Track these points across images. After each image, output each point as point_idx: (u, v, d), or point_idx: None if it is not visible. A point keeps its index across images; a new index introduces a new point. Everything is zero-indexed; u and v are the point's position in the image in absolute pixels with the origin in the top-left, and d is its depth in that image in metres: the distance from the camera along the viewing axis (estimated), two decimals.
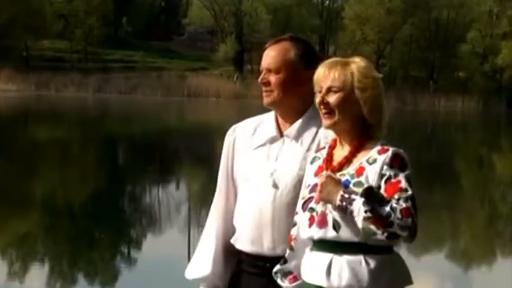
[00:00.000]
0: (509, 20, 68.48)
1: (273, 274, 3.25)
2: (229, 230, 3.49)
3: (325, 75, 3.07)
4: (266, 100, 3.39)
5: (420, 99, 62.09)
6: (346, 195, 2.90)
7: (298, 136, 3.36)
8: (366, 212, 2.84)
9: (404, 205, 2.87)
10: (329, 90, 3.06)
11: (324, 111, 3.07)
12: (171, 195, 15.81)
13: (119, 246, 11.06)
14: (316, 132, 3.34)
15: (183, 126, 35.57)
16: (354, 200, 2.88)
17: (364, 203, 2.85)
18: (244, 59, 69.44)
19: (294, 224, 3.18)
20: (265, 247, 3.33)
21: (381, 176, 2.95)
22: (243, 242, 3.41)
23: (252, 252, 3.38)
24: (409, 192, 2.91)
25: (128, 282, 9.06)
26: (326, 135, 3.29)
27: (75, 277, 9.20)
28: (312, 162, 3.20)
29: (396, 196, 2.89)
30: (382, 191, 2.92)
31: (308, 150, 3.32)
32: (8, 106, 43.50)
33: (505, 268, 10.53)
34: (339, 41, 72.75)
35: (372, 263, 2.96)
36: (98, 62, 66.47)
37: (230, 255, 3.50)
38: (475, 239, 12.94)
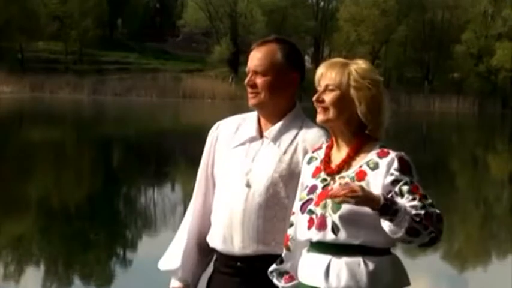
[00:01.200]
0: (503, 21, 68.56)
1: (268, 273, 3.24)
2: (205, 227, 3.49)
3: (324, 74, 3.08)
4: (252, 101, 3.40)
5: (415, 100, 62.16)
6: (389, 195, 2.86)
7: (276, 138, 3.37)
8: (422, 208, 2.82)
9: (437, 211, 2.88)
10: (326, 88, 3.07)
11: (319, 108, 3.08)
12: (166, 197, 15.80)
13: (114, 248, 11.05)
14: (296, 135, 3.35)
15: (178, 127, 35.54)
16: (396, 200, 2.84)
17: (419, 200, 2.83)
18: (240, 60, 69.40)
19: (291, 224, 3.17)
20: (236, 246, 3.33)
21: (393, 182, 2.91)
22: (215, 240, 3.41)
23: (223, 251, 3.38)
24: (430, 199, 2.91)
25: (123, 284, 9.04)
26: (305, 138, 3.32)
27: (70, 279, 9.18)
28: (308, 163, 3.19)
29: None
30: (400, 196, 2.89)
31: (285, 152, 3.33)
32: (2, 108, 43.43)
33: (501, 268, 10.54)
34: (334, 42, 72.77)
35: (371, 265, 2.95)
36: (93, 64, 66.40)
37: (203, 251, 3.51)
38: (470, 239, 12.95)
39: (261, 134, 3.41)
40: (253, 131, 3.42)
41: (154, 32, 78.12)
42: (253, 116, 3.48)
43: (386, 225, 2.86)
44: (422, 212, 2.82)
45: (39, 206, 14.10)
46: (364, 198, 2.81)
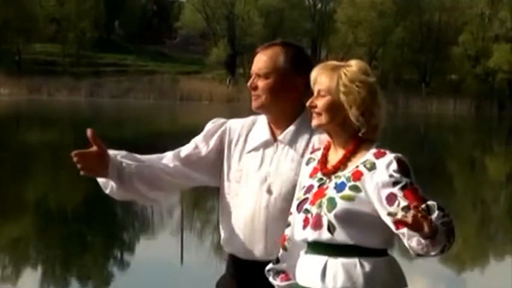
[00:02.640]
0: (501, 23, 68.65)
1: (265, 272, 3.24)
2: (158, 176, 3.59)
3: (316, 79, 3.10)
4: (254, 104, 3.39)
5: (412, 102, 62.19)
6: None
7: (292, 142, 3.34)
8: (450, 223, 2.79)
9: None
10: (318, 93, 3.09)
11: (313, 114, 3.10)
12: None
13: (111, 250, 11.04)
14: (310, 137, 3.33)
15: (176, 129, 35.51)
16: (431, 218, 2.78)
17: (448, 215, 2.81)
18: (237, 63, 69.46)
19: (288, 224, 3.17)
20: (258, 253, 3.31)
21: (393, 183, 2.90)
22: (234, 247, 3.38)
23: (244, 258, 3.36)
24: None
25: (120, 286, 9.04)
26: (321, 139, 3.28)
27: (67, 281, 9.17)
28: (307, 164, 3.20)
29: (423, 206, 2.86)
30: (400, 197, 2.85)
31: (302, 156, 3.30)
32: None
33: (499, 270, 10.55)
34: (331, 44, 72.82)
35: (367, 266, 2.95)
36: (90, 66, 66.41)
37: (142, 187, 3.62)
38: (468, 241, 12.95)
39: (274, 138, 3.38)
40: (266, 135, 3.39)
41: (152, 34, 78.16)
42: (262, 119, 3.45)
43: (418, 243, 2.79)
44: (451, 227, 2.80)
45: (37, 208, 14.09)
46: (412, 227, 2.71)
